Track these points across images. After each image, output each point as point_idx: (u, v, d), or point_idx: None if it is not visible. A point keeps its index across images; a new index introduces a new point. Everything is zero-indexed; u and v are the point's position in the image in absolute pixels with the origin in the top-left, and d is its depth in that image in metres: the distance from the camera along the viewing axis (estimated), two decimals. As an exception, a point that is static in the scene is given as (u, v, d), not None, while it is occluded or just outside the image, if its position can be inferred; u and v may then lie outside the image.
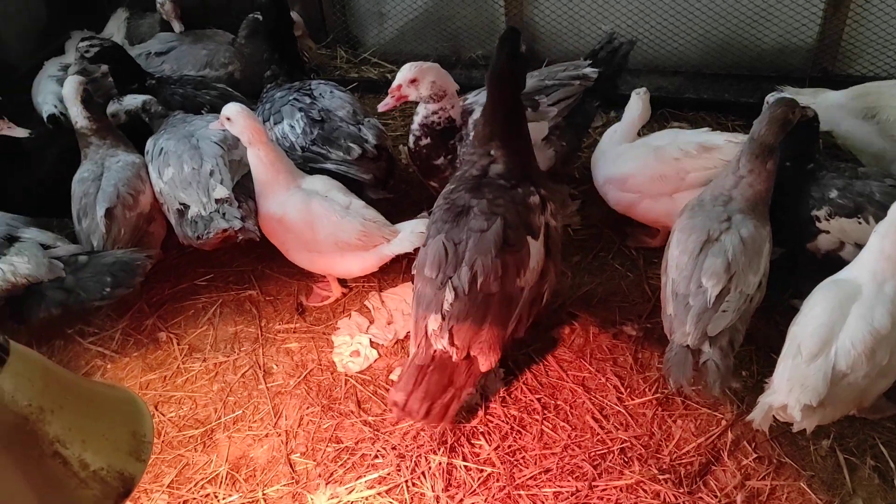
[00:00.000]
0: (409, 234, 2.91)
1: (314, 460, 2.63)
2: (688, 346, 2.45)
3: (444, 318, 2.42)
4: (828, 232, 2.73)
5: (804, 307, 2.42)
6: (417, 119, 3.08)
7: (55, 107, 3.86)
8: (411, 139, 3.13)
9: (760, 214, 2.67)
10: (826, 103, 3.21)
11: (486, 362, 2.46)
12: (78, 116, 3.21)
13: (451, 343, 2.41)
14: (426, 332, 2.46)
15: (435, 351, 2.46)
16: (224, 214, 2.92)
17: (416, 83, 2.95)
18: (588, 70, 3.27)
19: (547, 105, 3.17)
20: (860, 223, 2.64)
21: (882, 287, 2.32)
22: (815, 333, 2.30)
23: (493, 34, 4.18)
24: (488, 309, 2.45)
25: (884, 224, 2.32)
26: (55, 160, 3.38)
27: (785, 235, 2.93)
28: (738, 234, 2.55)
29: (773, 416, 2.32)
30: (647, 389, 2.76)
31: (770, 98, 2.92)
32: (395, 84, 2.97)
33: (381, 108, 3.02)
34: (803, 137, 2.81)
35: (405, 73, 2.95)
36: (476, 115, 3.09)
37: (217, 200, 2.94)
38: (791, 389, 2.26)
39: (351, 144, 3.17)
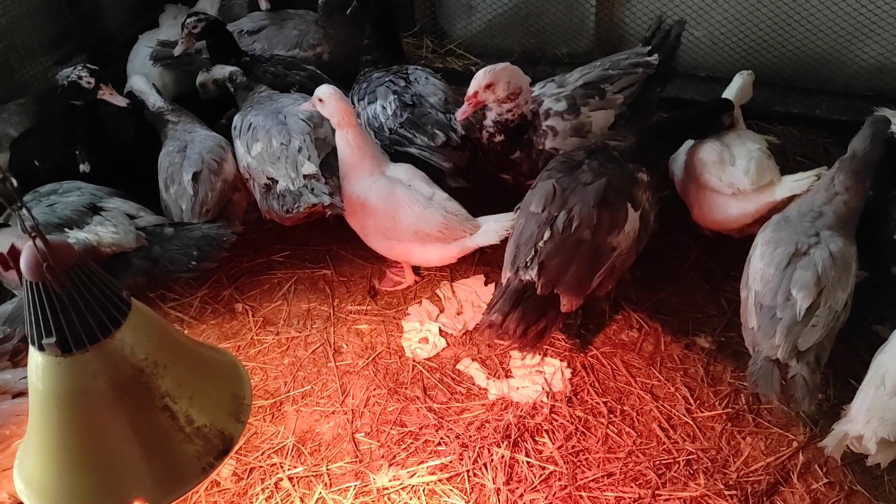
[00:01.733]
0: (493, 226, 2.93)
1: (378, 441, 2.67)
2: (774, 359, 2.41)
3: (536, 253, 2.65)
4: None
5: (893, 337, 2.35)
6: (491, 116, 3.08)
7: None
8: (484, 135, 3.14)
9: (849, 233, 2.61)
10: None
11: (567, 303, 2.65)
12: (156, 100, 3.34)
13: (539, 276, 2.63)
14: (521, 264, 2.67)
15: (526, 282, 2.66)
16: (313, 190, 2.98)
17: (492, 87, 2.96)
18: (650, 58, 3.28)
19: (612, 93, 3.18)
20: None
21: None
22: (896, 365, 2.24)
23: (582, 33, 4.16)
24: (577, 253, 2.66)
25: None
26: (133, 133, 3.50)
27: (868, 258, 2.86)
28: (827, 249, 2.49)
29: (847, 445, 2.26)
30: (717, 403, 2.72)
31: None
32: (470, 91, 2.97)
33: (460, 116, 3.03)
34: (890, 160, 2.74)
35: (480, 79, 2.95)
36: (546, 105, 3.14)
37: (305, 176, 3.00)
38: (869, 420, 2.20)
39: (437, 131, 3.20)
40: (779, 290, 2.46)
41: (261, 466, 2.62)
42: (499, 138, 3.10)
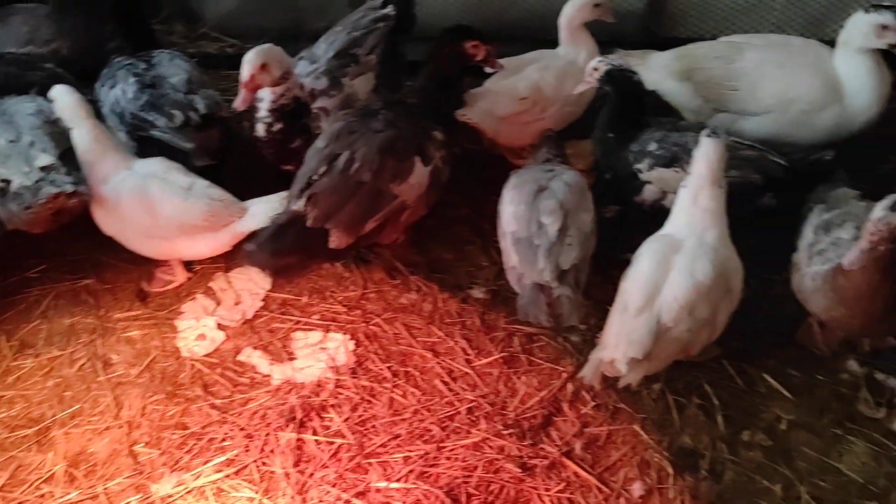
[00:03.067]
0: (262, 207, 2.88)
1: (159, 449, 2.55)
2: (537, 284, 2.56)
3: (309, 184, 2.71)
4: (650, 182, 2.89)
5: (633, 263, 2.56)
6: (264, 105, 3.00)
7: None
8: (261, 128, 3.05)
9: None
10: (652, 65, 3.37)
11: (336, 240, 2.71)
12: None
13: (312, 207, 2.69)
14: (293, 194, 2.75)
15: (294, 212, 2.71)
16: (53, 181, 2.75)
17: (266, 68, 2.87)
18: (385, 10, 3.35)
19: (366, 55, 3.24)
20: (677, 172, 2.79)
21: (703, 238, 2.47)
22: (640, 288, 2.44)
23: (336, 4, 4.12)
24: (356, 193, 2.72)
25: (690, 179, 2.47)
26: None
27: (615, 192, 3.10)
28: (562, 180, 2.74)
29: (603, 370, 2.44)
30: (493, 349, 2.84)
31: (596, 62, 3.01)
32: (245, 76, 2.86)
33: (239, 104, 2.90)
34: (629, 104, 2.96)
35: (253, 61, 2.85)
36: (309, 86, 3.13)
37: (42, 168, 2.76)
38: (618, 344, 2.39)
39: (174, 111, 3.05)
40: (531, 221, 2.65)
41: (28, 500, 2.42)
42: (278, 126, 3.03)
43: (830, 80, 3.13)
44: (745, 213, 3.01)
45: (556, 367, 2.78)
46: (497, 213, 2.88)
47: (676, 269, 2.43)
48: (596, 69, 2.94)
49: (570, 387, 2.71)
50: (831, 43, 3.23)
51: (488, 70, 3.11)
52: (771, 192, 2.94)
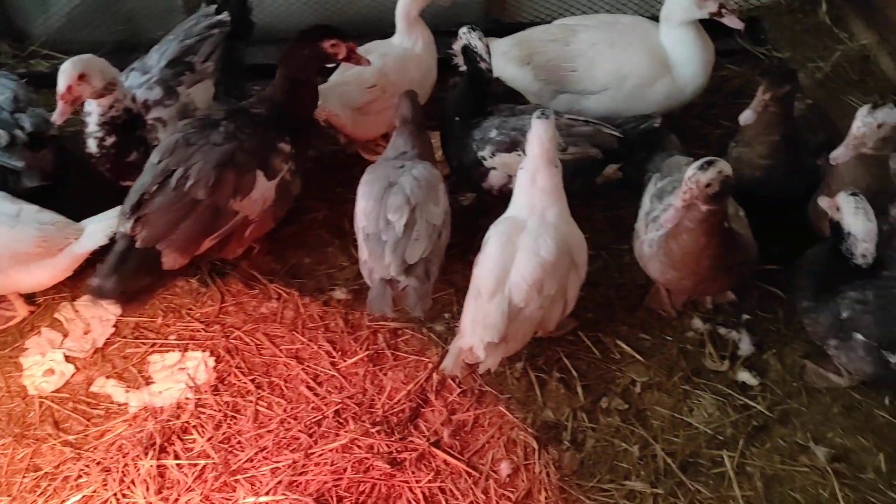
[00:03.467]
0: (98, 226, 2.77)
1: (9, 496, 2.41)
2: (386, 279, 2.57)
3: (139, 204, 2.61)
4: (495, 168, 2.94)
5: (482, 249, 2.60)
6: (93, 119, 2.87)
7: None
8: (93, 143, 2.91)
9: (431, 159, 2.88)
10: (493, 51, 3.42)
11: (170, 261, 2.61)
12: None
13: (140, 227, 2.58)
14: (124, 214, 2.64)
15: (127, 234, 2.60)
16: None
17: (85, 78, 2.74)
18: (220, 16, 3.27)
19: (202, 63, 3.15)
20: (519, 155, 2.85)
21: (544, 217, 2.54)
22: (490, 273, 2.49)
23: (173, 11, 3.97)
24: (189, 213, 2.62)
25: (526, 161, 2.53)
26: None
27: (463, 179, 3.14)
28: (411, 174, 2.73)
29: (464, 358, 2.47)
30: (358, 349, 2.83)
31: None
32: (62, 88, 2.72)
33: (58, 118, 2.75)
34: (475, 87, 3.00)
35: (70, 71, 2.72)
36: (141, 97, 3.00)
37: None
38: (475, 330, 2.43)
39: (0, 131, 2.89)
40: (379, 217, 2.65)
41: None
42: (111, 140, 2.90)
43: (658, 54, 3.27)
44: (590, 187, 3.15)
45: (422, 358, 2.79)
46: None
47: (521, 249, 2.49)
48: (459, 38, 2.97)
49: (435, 377, 2.73)
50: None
51: (351, 66, 3.09)
52: (614, 165, 3.06)
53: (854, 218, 2.30)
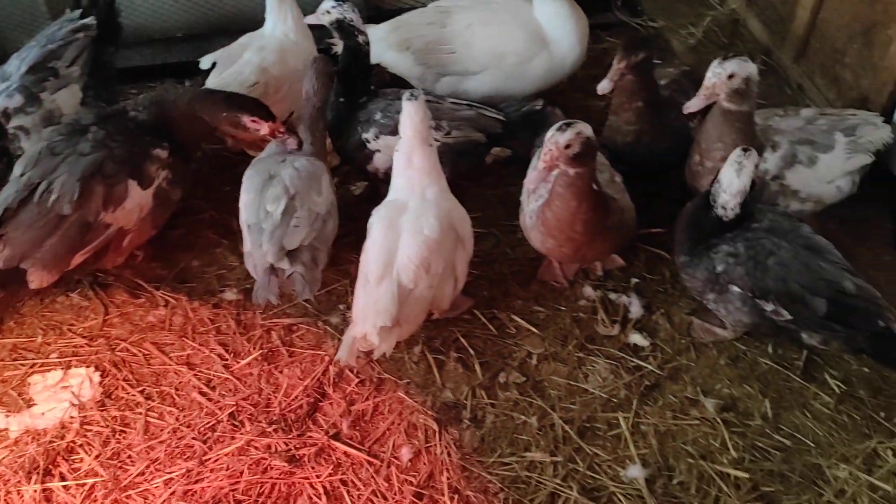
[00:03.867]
0: None
1: None
2: (270, 267, 2.52)
3: (1, 223, 2.50)
4: (379, 151, 2.92)
5: (367, 235, 2.57)
6: None
7: None
8: None
9: (314, 153, 2.81)
10: (371, 38, 3.38)
11: (36, 280, 2.52)
12: None
13: (3, 246, 2.48)
14: None
15: None
16: None
17: None
18: (85, 20, 3.14)
19: (66, 68, 3.02)
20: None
21: (424, 197, 2.53)
22: (376, 258, 2.46)
23: (36, 20, 3.79)
24: (55, 229, 2.52)
25: (401, 143, 2.51)
26: None
27: (349, 162, 3.11)
28: (292, 166, 2.69)
29: (359, 347, 2.44)
30: (252, 349, 2.76)
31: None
32: None
33: None
34: (358, 64, 2.96)
35: None
36: (0, 106, 2.87)
37: None
38: (366, 317, 2.40)
39: None
40: (259, 208, 2.61)
41: None
42: None
43: (534, 30, 3.30)
44: (479, 168, 3.16)
45: (319, 352, 2.75)
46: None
47: (405, 231, 2.47)
48: (328, 12, 2.91)
49: (333, 369, 2.69)
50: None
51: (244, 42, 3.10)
52: (500, 146, 3.07)
53: (727, 169, 2.35)
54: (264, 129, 2.80)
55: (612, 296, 2.86)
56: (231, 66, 3.22)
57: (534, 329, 2.77)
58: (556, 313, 2.82)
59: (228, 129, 2.87)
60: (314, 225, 2.60)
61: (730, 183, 2.35)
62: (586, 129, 2.38)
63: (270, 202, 2.58)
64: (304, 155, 2.78)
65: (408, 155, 2.51)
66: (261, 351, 2.75)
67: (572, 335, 2.75)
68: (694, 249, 2.47)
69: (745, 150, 2.32)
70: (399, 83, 3.43)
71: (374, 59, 3.35)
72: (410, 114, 2.45)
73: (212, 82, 3.22)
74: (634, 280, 2.90)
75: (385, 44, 3.38)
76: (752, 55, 3.62)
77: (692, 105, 2.53)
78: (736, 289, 2.41)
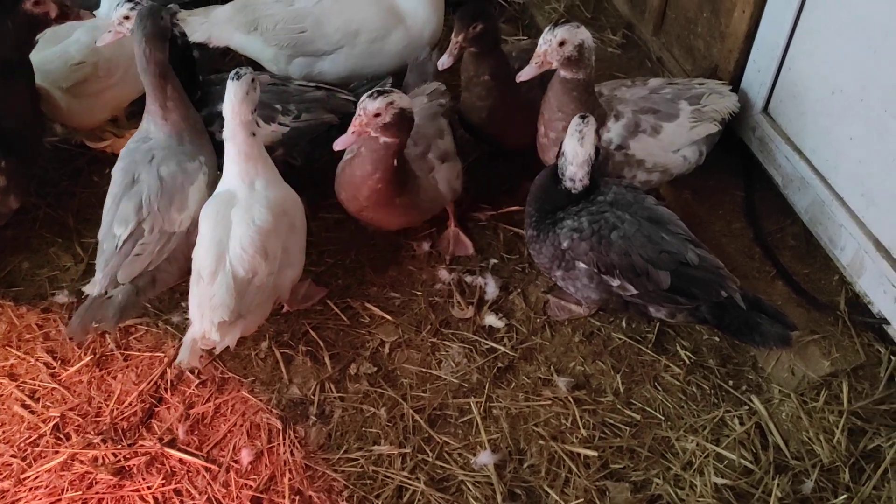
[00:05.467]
0: None
1: None
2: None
3: None
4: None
5: (199, 235, 2.39)
6: None
7: None
8: None
9: (190, 145, 2.55)
10: (215, 21, 3.19)
11: None
12: None
13: None
14: None
15: None
16: None
17: None
18: None
19: None
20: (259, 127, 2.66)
21: (253, 187, 2.37)
22: (207, 253, 2.29)
23: None
24: None
25: (225, 127, 2.34)
26: None
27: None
28: (156, 174, 2.44)
29: (201, 347, 2.27)
30: (82, 354, 2.56)
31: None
32: None
33: None
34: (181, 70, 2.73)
35: None
36: None
37: None
38: (203, 315, 2.23)
39: None
40: (110, 224, 2.40)
41: None
42: None
43: (386, 4, 3.16)
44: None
45: (157, 354, 2.57)
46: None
47: (236, 222, 2.31)
48: (127, 17, 2.60)
49: (170, 371, 2.52)
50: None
51: (74, 22, 2.75)
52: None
53: (569, 139, 2.28)
54: (52, 8, 2.59)
55: (468, 278, 2.77)
56: (59, 43, 2.98)
57: (388, 316, 2.66)
58: (412, 299, 2.72)
59: (23, 33, 2.59)
60: (165, 248, 2.39)
61: (574, 153, 2.28)
62: (401, 100, 2.27)
63: (119, 223, 2.37)
64: (176, 151, 2.50)
65: (231, 139, 2.34)
66: (92, 356, 2.55)
67: (427, 320, 2.65)
68: (541, 224, 2.40)
69: (582, 117, 2.26)
70: (258, 68, 3.24)
71: (221, 43, 3.18)
72: (230, 94, 2.28)
73: (33, 56, 2.95)
74: (493, 261, 2.82)
75: (231, 26, 3.17)
76: (614, 29, 3.63)
77: (524, 74, 2.45)
78: (582, 265, 2.35)
